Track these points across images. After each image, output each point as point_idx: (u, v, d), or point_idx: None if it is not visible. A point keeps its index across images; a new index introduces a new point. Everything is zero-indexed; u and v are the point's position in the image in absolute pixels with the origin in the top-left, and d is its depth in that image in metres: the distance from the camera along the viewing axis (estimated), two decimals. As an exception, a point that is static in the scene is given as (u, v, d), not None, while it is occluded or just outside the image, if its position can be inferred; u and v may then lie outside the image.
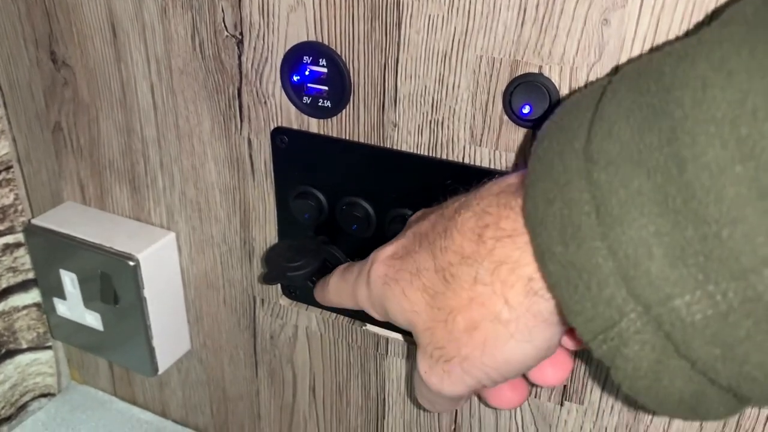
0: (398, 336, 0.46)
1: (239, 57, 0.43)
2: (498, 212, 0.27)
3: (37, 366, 0.64)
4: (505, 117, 0.36)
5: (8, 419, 0.63)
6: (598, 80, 0.31)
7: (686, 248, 0.20)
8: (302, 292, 0.49)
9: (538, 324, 0.26)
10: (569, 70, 0.34)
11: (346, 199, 0.43)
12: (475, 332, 0.27)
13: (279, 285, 0.50)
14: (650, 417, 0.41)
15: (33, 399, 0.65)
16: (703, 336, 0.20)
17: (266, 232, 0.48)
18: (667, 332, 0.21)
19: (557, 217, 0.23)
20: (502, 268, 0.26)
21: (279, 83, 0.42)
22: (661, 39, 0.31)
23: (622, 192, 0.21)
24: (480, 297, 0.27)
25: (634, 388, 0.23)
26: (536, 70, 0.35)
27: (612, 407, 0.42)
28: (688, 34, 0.31)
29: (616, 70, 0.33)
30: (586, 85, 0.34)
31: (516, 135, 0.37)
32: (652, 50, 0.32)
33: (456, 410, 0.47)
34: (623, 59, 0.33)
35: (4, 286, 0.59)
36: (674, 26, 0.31)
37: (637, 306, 0.21)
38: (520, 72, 0.35)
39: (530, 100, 0.35)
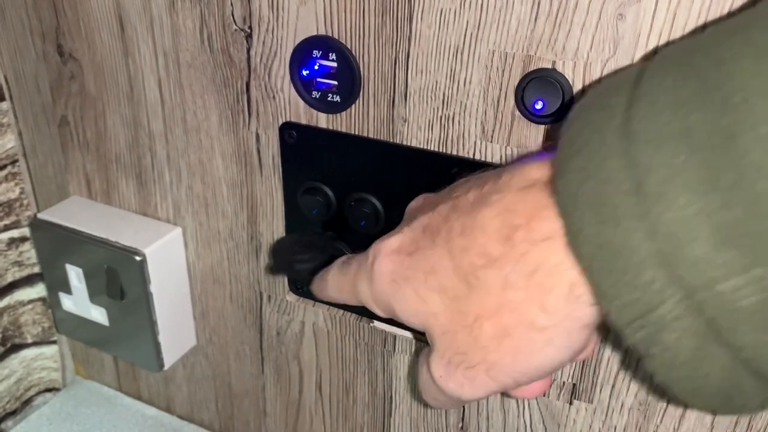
0: (406, 333, 0.46)
1: (248, 51, 0.43)
2: (529, 212, 0.25)
3: (42, 360, 0.64)
4: (518, 113, 0.36)
5: (13, 413, 0.63)
6: (628, 67, 0.29)
7: (734, 229, 0.19)
8: (309, 288, 0.49)
9: (578, 328, 0.25)
10: (583, 65, 0.34)
11: (355, 195, 0.43)
12: (505, 339, 0.26)
13: (286, 281, 0.50)
14: (660, 416, 0.41)
15: (38, 394, 0.65)
16: (751, 322, 0.19)
17: (273, 228, 0.48)
18: (710, 318, 0.20)
19: (592, 196, 0.22)
20: (538, 272, 0.24)
21: (288, 77, 0.42)
22: (677, 34, 0.31)
23: (664, 170, 0.20)
24: (511, 303, 0.25)
25: (670, 377, 0.22)
26: (549, 66, 0.34)
27: (622, 406, 0.41)
28: (705, 27, 0.30)
29: (631, 65, 0.33)
30: (600, 81, 0.33)
31: (528, 131, 0.36)
32: (665, 45, 0.31)
33: (463, 407, 0.47)
34: (638, 54, 0.32)
35: (9, 280, 0.59)
36: (690, 21, 0.31)
37: (678, 290, 0.20)
38: (533, 67, 0.35)
39: (543, 95, 0.35)
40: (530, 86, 0.35)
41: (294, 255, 0.42)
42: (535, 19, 0.34)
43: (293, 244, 0.44)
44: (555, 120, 0.35)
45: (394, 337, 0.47)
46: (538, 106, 0.35)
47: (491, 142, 0.37)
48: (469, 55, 0.36)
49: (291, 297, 0.50)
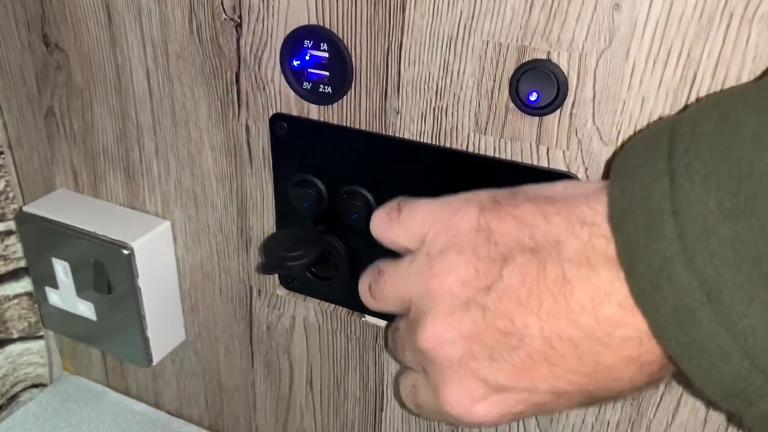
0: (398, 327, 0.46)
1: (237, 41, 0.42)
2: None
3: (28, 356, 0.63)
4: (512, 104, 0.35)
5: (-1, 410, 0.62)
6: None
7: None
8: (300, 283, 0.48)
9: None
10: (578, 56, 0.33)
11: (347, 187, 0.42)
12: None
13: (276, 275, 0.49)
14: (653, 410, 0.40)
15: (24, 389, 0.64)
16: None
17: (264, 221, 0.47)
18: None
19: (668, 302, 0.23)
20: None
21: (278, 68, 0.41)
22: (673, 25, 0.31)
23: (732, 283, 0.22)
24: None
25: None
26: (544, 57, 0.34)
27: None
28: (701, 19, 0.30)
29: (627, 55, 0.32)
30: (595, 73, 0.33)
31: (522, 123, 0.36)
32: (664, 38, 0.31)
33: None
34: (634, 46, 0.32)
35: (-6, 274, 0.58)
36: (687, 11, 0.30)
37: (762, 375, 0.22)
38: (527, 58, 0.34)
39: (538, 87, 0.34)
40: (525, 77, 0.34)
41: (285, 252, 0.42)
42: (530, 9, 0.33)
43: (284, 239, 0.43)
44: (549, 112, 0.34)
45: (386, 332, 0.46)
46: (533, 97, 0.34)
47: (485, 134, 0.37)
48: (462, 46, 0.35)
49: (281, 291, 0.50)
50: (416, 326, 0.30)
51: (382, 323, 0.46)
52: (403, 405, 0.34)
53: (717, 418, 0.39)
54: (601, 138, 0.34)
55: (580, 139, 0.35)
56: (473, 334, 0.28)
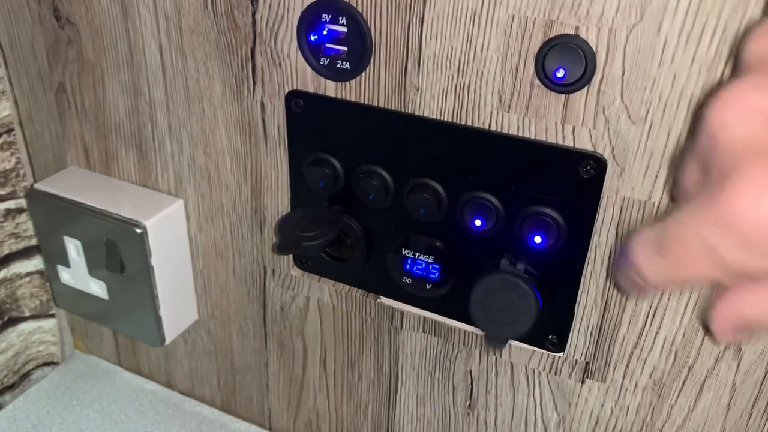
0: (414, 309, 0.45)
1: (253, 15, 0.41)
2: None
3: (40, 334, 0.63)
4: (537, 81, 0.34)
5: (11, 387, 0.62)
6: None
7: None
8: (314, 263, 0.47)
9: None
10: (608, 31, 0.32)
11: (364, 167, 0.41)
12: None
13: (291, 255, 0.48)
14: (675, 396, 0.40)
15: (36, 367, 0.64)
16: None
17: (278, 201, 0.47)
18: None
19: None
20: None
21: (295, 43, 0.40)
22: (709, -2, 0.29)
23: None
24: None
25: None
26: (572, 32, 0.33)
27: (636, 386, 0.40)
28: (741, -8, 0.29)
29: (659, 31, 0.31)
30: (624, 48, 0.32)
31: (548, 101, 0.35)
32: (699, 13, 0.30)
33: (471, 385, 0.46)
34: (667, 20, 0.31)
35: (5, 252, 0.57)
36: (725, -16, 0.29)
37: None
38: (554, 33, 0.33)
39: (565, 63, 0.33)
40: (551, 53, 0.33)
41: (301, 232, 0.41)
42: (559, -18, 0.32)
43: (300, 219, 0.42)
44: (576, 89, 0.33)
45: (402, 313, 0.46)
46: (560, 74, 0.33)
47: (508, 112, 0.36)
48: (487, 20, 0.34)
49: (296, 272, 0.49)
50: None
51: (399, 305, 0.46)
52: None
53: (740, 404, 0.38)
54: (629, 116, 0.33)
55: (608, 117, 0.34)
56: None
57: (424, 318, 0.45)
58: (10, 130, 0.55)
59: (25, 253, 0.59)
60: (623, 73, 0.33)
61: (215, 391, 0.60)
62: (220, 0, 0.41)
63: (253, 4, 0.40)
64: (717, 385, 0.38)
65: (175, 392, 0.63)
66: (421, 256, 0.42)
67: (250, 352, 0.56)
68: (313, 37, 0.39)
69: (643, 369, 0.40)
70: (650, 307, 0.38)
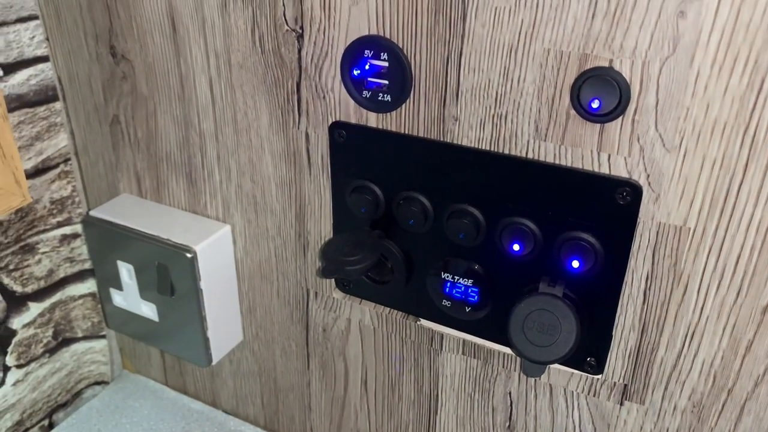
0: (454, 332, 0.46)
1: (299, 51, 0.43)
2: None
3: (91, 354, 0.66)
4: (573, 111, 0.36)
5: (64, 405, 0.65)
6: None
7: None
8: (356, 286, 0.49)
9: None
10: (641, 64, 0.33)
11: (404, 193, 0.43)
12: None
13: (333, 278, 0.50)
14: (715, 419, 0.40)
15: (87, 386, 0.66)
16: None
17: (321, 226, 0.49)
18: None
19: None
20: None
21: (338, 77, 0.42)
22: (740, 31, 0.31)
23: None
24: None
25: None
26: (606, 64, 0.34)
27: (675, 408, 0.41)
28: (771, 26, 0.30)
29: (691, 63, 0.32)
30: (658, 80, 0.33)
31: (583, 130, 0.36)
32: (731, 45, 0.31)
33: (510, 407, 0.47)
34: (699, 53, 0.32)
35: (61, 276, 0.60)
36: (756, 18, 0.30)
37: None
38: (589, 65, 0.34)
39: (599, 94, 0.34)
40: (586, 85, 0.34)
41: (344, 256, 0.43)
42: (593, 17, 0.33)
43: (342, 244, 0.44)
44: (612, 119, 0.35)
45: (441, 335, 0.47)
46: (595, 104, 0.34)
47: (545, 140, 0.37)
48: (523, 54, 0.36)
49: (337, 294, 0.51)
50: None
51: (439, 327, 0.47)
52: None
53: (782, 427, 0.38)
54: (663, 145, 0.34)
55: (642, 145, 0.35)
56: None
57: (464, 340, 0.46)
58: (66, 160, 0.58)
59: (79, 277, 0.62)
60: (657, 103, 0.34)
61: (259, 410, 0.62)
62: (268, 37, 0.44)
63: (299, 41, 0.43)
64: (757, 408, 0.38)
65: (220, 411, 0.64)
66: (460, 280, 0.43)
67: (292, 372, 0.57)
68: (356, 72, 0.41)
69: (681, 391, 0.40)
70: (688, 330, 0.38)
